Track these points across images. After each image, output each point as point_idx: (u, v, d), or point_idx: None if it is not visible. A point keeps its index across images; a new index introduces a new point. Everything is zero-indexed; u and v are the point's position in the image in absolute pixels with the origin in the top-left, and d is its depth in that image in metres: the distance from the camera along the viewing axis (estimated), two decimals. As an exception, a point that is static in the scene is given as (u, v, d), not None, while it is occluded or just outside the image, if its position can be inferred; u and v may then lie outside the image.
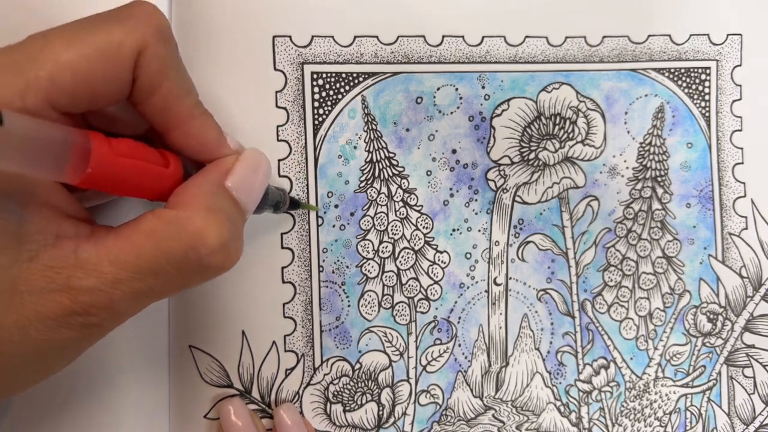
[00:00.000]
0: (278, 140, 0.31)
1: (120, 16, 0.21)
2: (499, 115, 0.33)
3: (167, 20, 0.22)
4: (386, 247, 0.32)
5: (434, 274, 0.33)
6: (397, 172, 0.32)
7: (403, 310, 0.33)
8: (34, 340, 0.20)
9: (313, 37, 0.31)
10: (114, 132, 0.24)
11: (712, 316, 0.35)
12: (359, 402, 0.33)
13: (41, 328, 0.20)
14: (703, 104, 0.35)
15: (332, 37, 0.31)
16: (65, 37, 0.20)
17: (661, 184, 0.35)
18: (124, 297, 0.20)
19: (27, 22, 0.27)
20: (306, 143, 0.31)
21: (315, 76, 0.31)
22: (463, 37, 0.32)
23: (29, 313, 0.20)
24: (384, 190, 0.32)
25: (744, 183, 0.35)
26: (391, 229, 0.32)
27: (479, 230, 0.33)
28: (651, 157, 0.34)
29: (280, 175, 0.31)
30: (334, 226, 0.32)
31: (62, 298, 0.20)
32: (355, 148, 0.32)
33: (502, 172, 0.33)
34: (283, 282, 0.31)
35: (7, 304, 0.19)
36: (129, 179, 0.21)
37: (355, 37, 0.31)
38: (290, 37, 0.31)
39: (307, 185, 0.31)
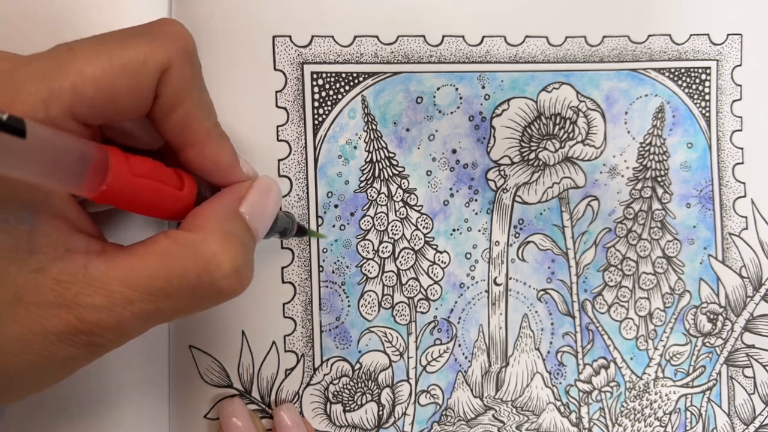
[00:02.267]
0: (278, 140, 0.31)
1: (147, 33, 0.21)
2: (499, 115, 0.33)
3: (194, 40, 0.22)
4: (386, 247, 0.32)
5: (434, 274, 0.33)
6: (397, 172, 0.32)
7: (403, 310, 0.33)
8: (34, 355, 0.20)
9: (313, 37, 0.31)
10: (128, 146, 0.24)
11: (712, 316, 0.35)
12: (359, 402, 0.33)
13: (44, 343, 0.19)
14: (703, 104, 0.35)
15: (332, 37, 0.31)
16: (92, 50, 0.20)
17: (661, 184, 0.35)
18: (132, 318, 0.20)
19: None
20: (306, 143, 0.31)
21: (315, 76, 0.31)
22: (463, 37, 0.32)
23: (33, 326, 0.19)
24: (384, 190, 0.32)
25: (744, 183, 0.35)
26: (391, 229, 0.32)
27: (479, 230, 0.33)
28: (651, 157, 0.34)
29: (280, 175, 0.31)
30: (334, 226, 0.32)
31: (68, 315, 0.19)
32: (355, 148, 0.32)
33: (502, 172, 0.33)
34: (283, 282, 0.31)
35: (12, 315, 0.19)
36: (143, 199, 0.21)
37: (355, 37, 0.31)
38: (290, 37, 0.31)
39: (307, 185, 0.31)
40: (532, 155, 0.33)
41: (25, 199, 0.19)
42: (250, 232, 0.24)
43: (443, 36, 0.32)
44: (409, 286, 0.33)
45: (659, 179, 0.35)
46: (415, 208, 0.33)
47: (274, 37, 0.31)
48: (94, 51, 0.20)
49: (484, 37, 0.32)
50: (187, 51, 0.22)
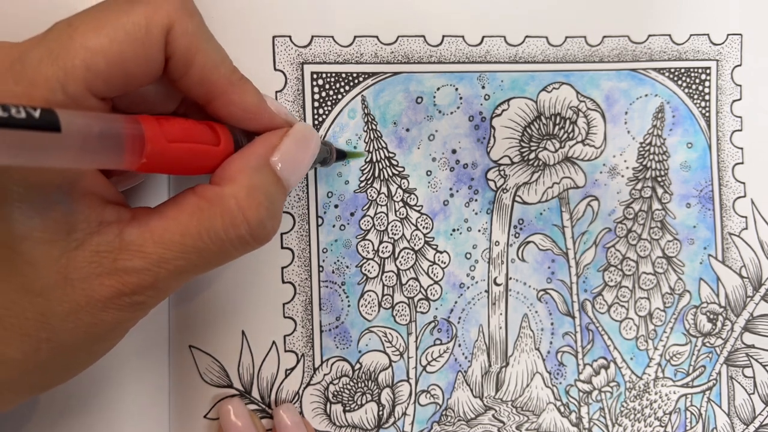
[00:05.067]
0: (278, 140, 0.31)
1: None
2: (499, 115, 0.33)
3: None
4: (386, 247, 0.32)
5: (434, 274, 0.33)
6: (397, 172, 0.32)
7: (403, 310, 0.33)
8: (85, 325, 0.21)
9: (313, 37, 0.31)
10: (146, 112, 0.24)
11: (712, 316, 0.35)
12: (359, 402, 0.33)
13: (92, 311, 0.20)
14: (703, 104, 0.35)
15: (332, 37, 0.31)
16: (92, 23, 0.20)
17: (661, 184, 0.35)
18: (168, 275, 0.21)
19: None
20: (306, 143, 0.31)
21: (315, 76, 0.31)
22: (463, 37, 0.32)
23: (80, 299, 0.20)
24: (384, 190, 0.32)
25: (744, 183, 0.35)
26: (391, 229, 0.32)
27: (479, 230, 0.33)
28: (651, 157, 0.34)
29: (280, 175, 0.31)
30: (334, 226, 0.32)
31: (111, 281, 0.20)
32: (355, 148, 0.32)
33: (502, 172, 0.33)
34: (283, 282, 0.31)
35: (61, 295, 0.20)
36: (182, 162, 0.21)
37: (355, 37, 0.31)
38: (290, 37, 0.31)
39: (307, 185, 0.31)
40: (532, 155, 0.33)
41: (59, 181, 0.20)
42: (279, 183, 0.24)
43: (443, 36, 0.32)
44: (409, 286, 0.33)
45: (659, 179, 0.35)
46: (415, 208, 0.33)
47: (274, 37, 0.31)
48: (96, 24, 0.20)
49: (484, 37, 0.32)
50: (184, 5, 0.22)
